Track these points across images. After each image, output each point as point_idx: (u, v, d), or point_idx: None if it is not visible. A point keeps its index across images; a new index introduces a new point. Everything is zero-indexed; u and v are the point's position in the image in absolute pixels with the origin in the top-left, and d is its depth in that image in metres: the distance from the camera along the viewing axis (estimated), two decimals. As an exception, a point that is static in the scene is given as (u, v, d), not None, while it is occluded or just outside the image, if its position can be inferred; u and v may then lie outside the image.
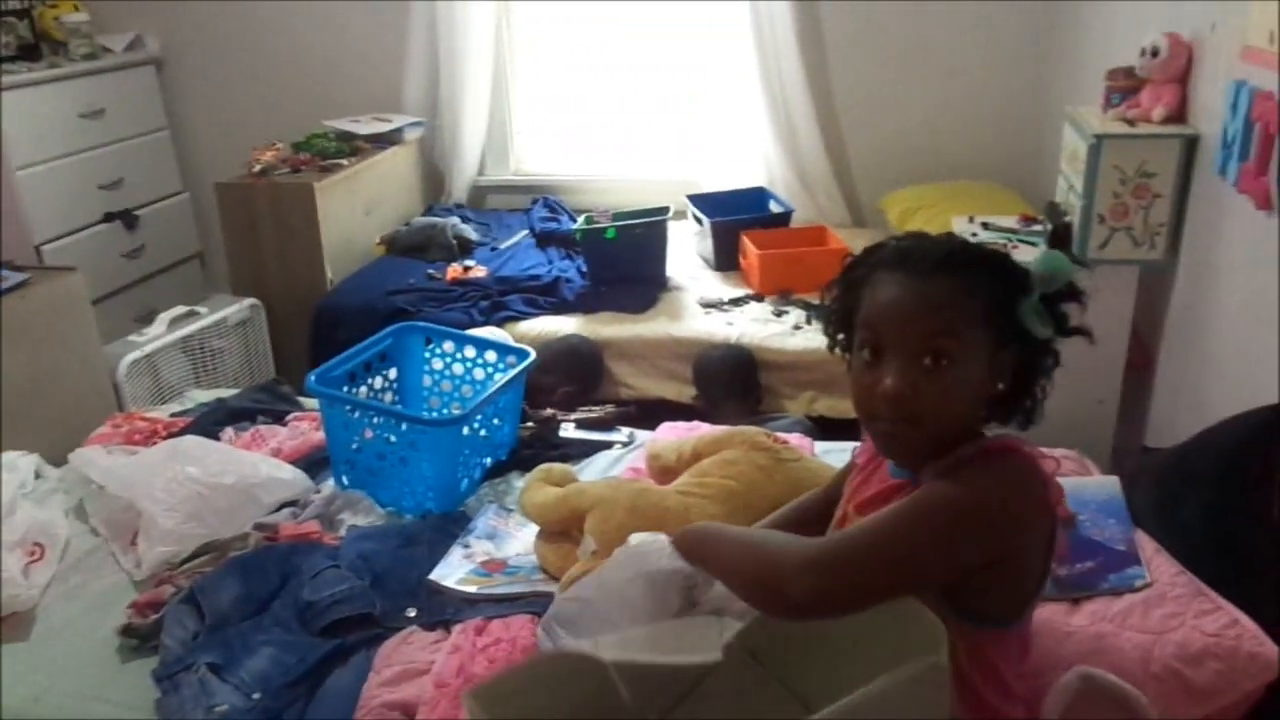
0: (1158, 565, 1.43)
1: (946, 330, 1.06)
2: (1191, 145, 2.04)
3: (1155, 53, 2.11)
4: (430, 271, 3.27)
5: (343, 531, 1.80)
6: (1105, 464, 1.98)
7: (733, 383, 2.76)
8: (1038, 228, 2.41)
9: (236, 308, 3.09)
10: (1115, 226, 2.10)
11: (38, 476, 2.02)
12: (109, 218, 3.73)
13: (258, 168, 3.26)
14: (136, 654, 1.57)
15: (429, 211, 3.77)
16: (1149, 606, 1.35)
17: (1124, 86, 2.23)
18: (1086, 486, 1.60)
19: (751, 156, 3.72)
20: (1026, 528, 1.05)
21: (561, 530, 1.66)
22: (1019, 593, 1.09)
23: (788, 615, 1.03)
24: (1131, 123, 2.13)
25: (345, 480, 1.96)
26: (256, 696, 1.41)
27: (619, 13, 3.79)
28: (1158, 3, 2.33)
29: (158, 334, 2.84)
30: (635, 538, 1.24)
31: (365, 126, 3.68)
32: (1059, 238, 2.21)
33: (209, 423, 2.18)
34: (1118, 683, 1.24)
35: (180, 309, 2.99)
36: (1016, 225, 2.56)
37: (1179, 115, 2.11)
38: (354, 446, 1.92)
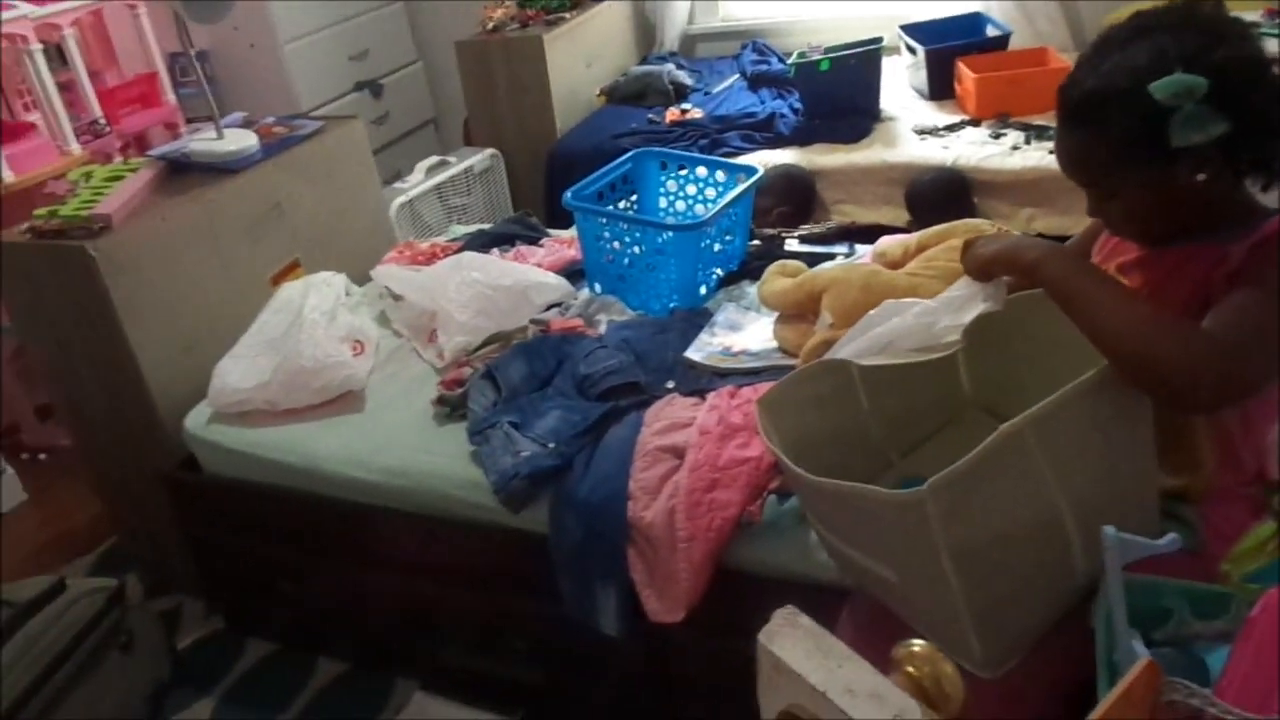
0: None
1: (1091, 181, 1.14)
2: None
3: None
4: (650, 116, 3.45)
5: (601, 328, 2.07)
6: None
7: (946, 205, 2.80)
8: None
9: (479, 157, 3.40)
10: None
11: (348, 294, 2.40)
12: (359, 87, 4.12)
13: (490, 24, 3.51)
14: (449, 420, 1.91)
15: (644, 61, 3.93)
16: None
17: None
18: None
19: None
20: None
21: (798, 314, 1.85)
22: None
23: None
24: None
25: (598, 287, 2.22)
26: (552, 445, 1.71)
27: None
28: None
29: (418, 180, 3.20)
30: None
31: (584, -22, 3.84)
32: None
33: (477, 245, 2.50)
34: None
35: (434, 158, 3.33)
36: (1261, 19, 2.43)
37: None
38: (607, 258, 2.17)
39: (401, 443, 1.87)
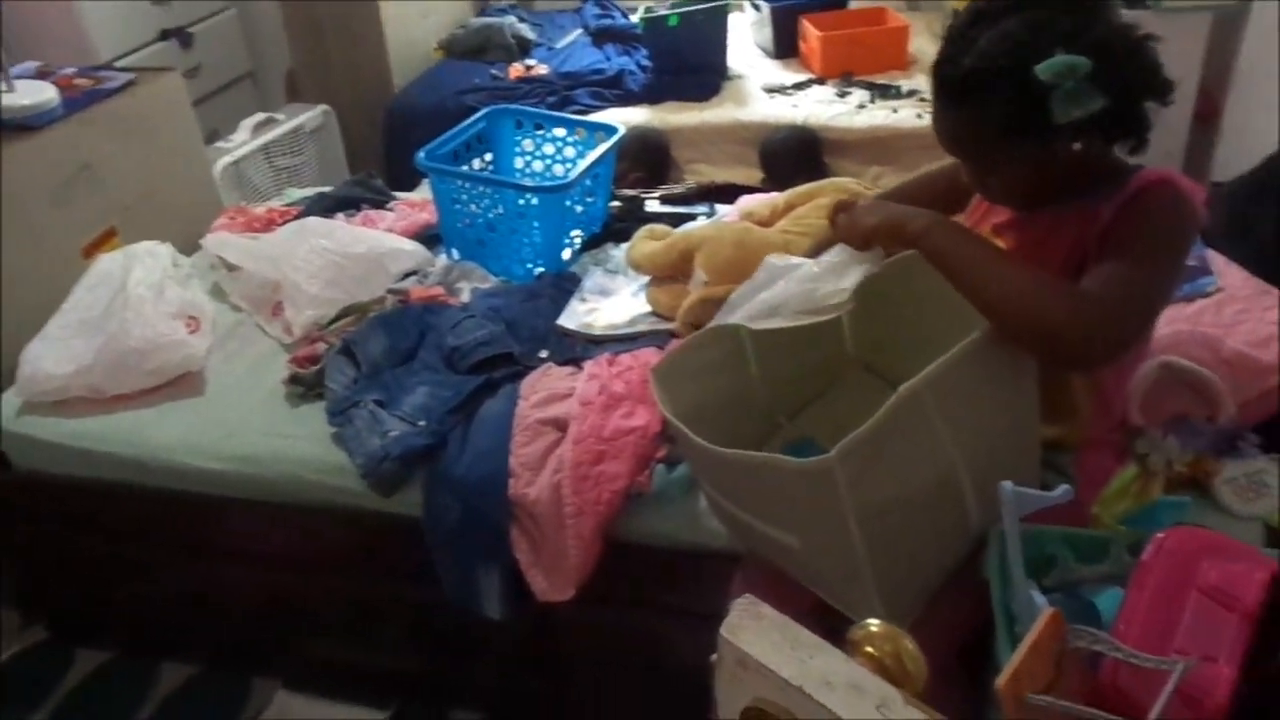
0: (1228, 275, 1.57)
1: (972, 155, 1.16)
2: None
3: None
4: (493, 72, 3.32)
5: (465, 297, 1.97)
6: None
7: (800, 163, 2.85)
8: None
9: (311, 114, 3.17)
10: (1191, -29, 2.12)
11: (175, 265, 2.19)
12: (164, 36, 3.75)
13: (316, -27, 3.27)
14: (303, 400, 1.77)
15: (483, 13, 3.77)
16: (1220, 306, 1.50)
17: None
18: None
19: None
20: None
21: (670, 275, 1.82)
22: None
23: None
24: None
25: (456, 254, 2.11)
26: (422, 423, 1.61)
27: None
28: None
29: (243, 140, 2.95)
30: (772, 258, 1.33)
31: (412, -73, 3.63)
32: (1133, -11, 2.23)
33: (319, 209, 2.33)
34: (1193, 367, 1.40)
35: (260, 116, 3.08)
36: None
37: None
38: (465, 222, 2.06)
39: (251, 427, 1.73)
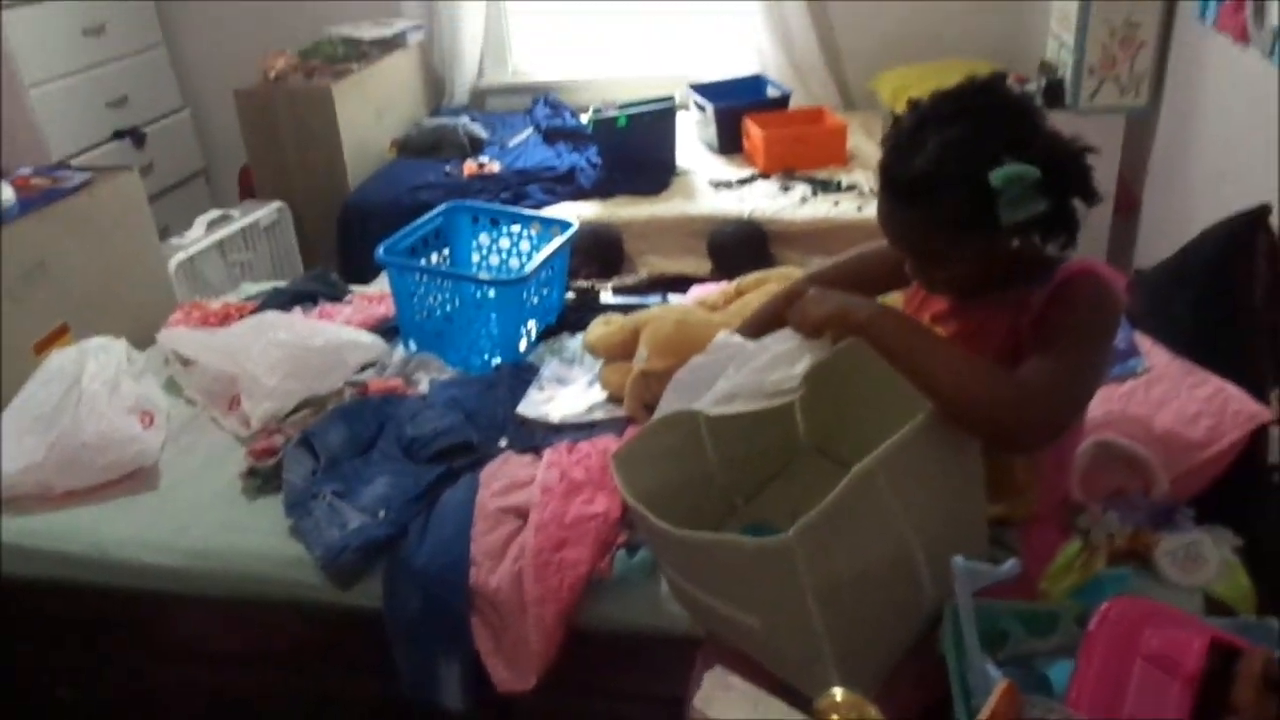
0: (1154, 355, 1.65)
1: (923, 250, 1.23)
2: (1173, -4, 2.22)
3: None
4: (447, 169, 3.40)
5: (423, 387, 1.99)
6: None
7: (746, 254, 2.94)
8: (1031, 86, 2.58)
9: (265, 210, 3.21)
10: (1104, 76, 2.29)
11: (129, 361, 2.18)
12: (118, 135, 3.80)
13: (273, 74, 3.35)
14: (260, 493, 1.77)
15: (436, 113, 3.88)
16: (1149, 386, 1.58)
17: (1109, -53, 2.39)
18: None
19: (745, 47, 3.85)
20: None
21: (623, 355, 1.88)
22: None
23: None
24: (1117, -20, 2.30)
25: (414, 345, 2.14)
26: (382, 514, 1.62)
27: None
28: None
29: (198, 236, 2.98)
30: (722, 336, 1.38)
31: (367, 31, 3.75)
32: (1052, 92, 2.39)
33: (276, 304, 2.35)
34: (1128, 444, 1.47)
35: (215, 213, 3.12)
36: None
37: (1161, -30, 2.28)
38: (423, 314, 2.10)
39: (205, 521, 1.71)
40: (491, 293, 2.01)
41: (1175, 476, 1.46)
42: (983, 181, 1.12)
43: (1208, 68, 2.06)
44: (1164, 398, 1.55)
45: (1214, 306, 1.61)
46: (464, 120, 3.65)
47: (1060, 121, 1.20)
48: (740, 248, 2.95)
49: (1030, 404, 1.10)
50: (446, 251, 2.34)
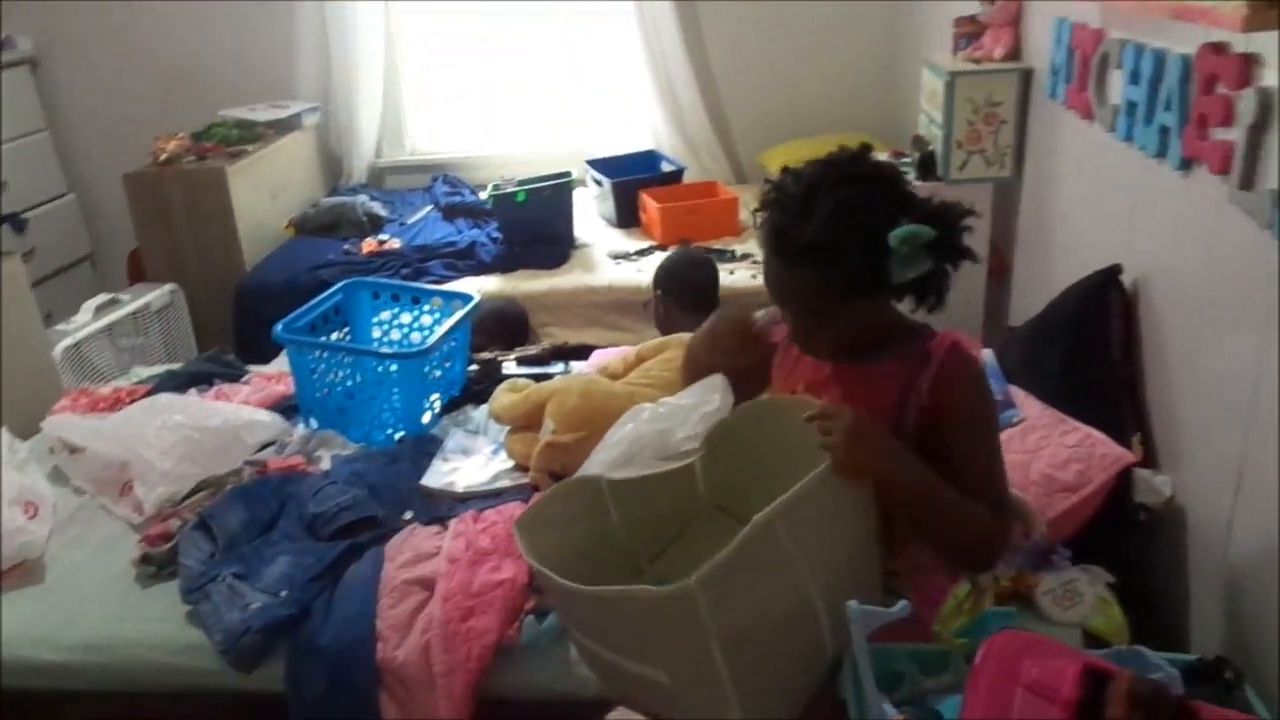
0: (1028, 407, 1.76)
1: (814, 311, 1.29)
2: (1028, 76, 2.41)
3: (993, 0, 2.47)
4: (346, 247, 3.40)
5: (325, 464, 1.97)
6: (980, 343, 2.33)
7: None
8: (907, 159, 2.74)
9: (157, 293, 3.15)
10: (971, 150, 2.46)
11: (11, 450, 2.10)
12: (-2, 220, 3.69)
13: (164, 156, 3.32)
14: (154, 580, 1.72)
15: (334, 192, 3.89)
16: (1024, 435, 1.68)
17: (969, 32, 2.59)
18: (969, 357, 1.93)
19: (638, 125, 3.99)
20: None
21: (526, 425, 1.90)
22: None
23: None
24: (978, 61, 2.49)
25: (315, 422, 2.12)
26: (284, 593, 1.59)
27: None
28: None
29: (85, 321, 2.90)
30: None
31: (262, 114, 3.76)
32: (926, 165, 2.56)
33: (170, 387, 2.30)
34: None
35: (103, 297, 3.04)
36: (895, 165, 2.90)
37: (1015, 52, 2.48)
38: (324, 391, 2.09)
39: (96, 613, 1.65)
40: (394, 367, 2.02)
41: (1051, 519, 1.55)
42: (879, 241, 1.20)
43: (1061, 141, 2.24)
44: (1038, 446, 1.65)
45: (1077, 360, 1.74)
46: (362, 198, 3.67)
47: (935, 192, 1.29)
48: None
49: (1003, 515, 1.30)
50: (347, 329, 2.34)
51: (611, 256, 3.27)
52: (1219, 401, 1.47)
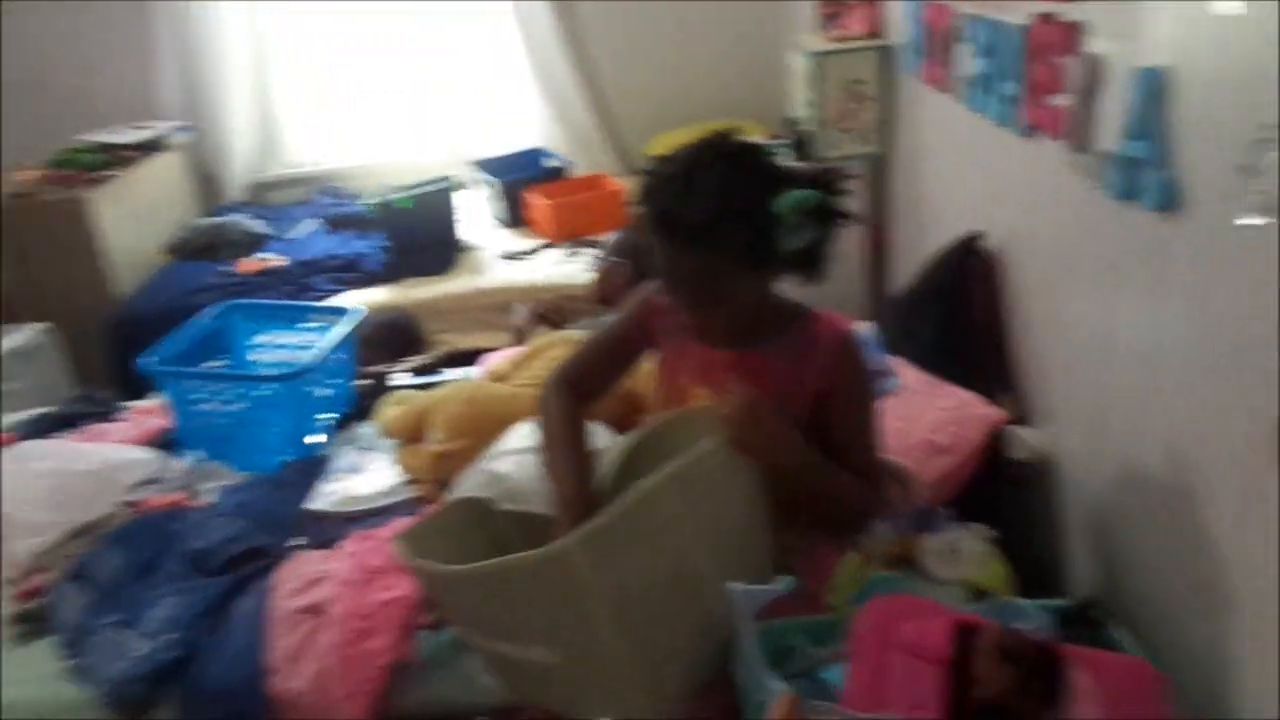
0: (905, 373, 1.81)
1: (709, 291, 1.29)
2: (888, 53, 2.46)
3: (850, -20, 2.53)
4: (225, 269, 3.29)
5: (210, 497, 1.91)
6: (861, 315, 2.38)
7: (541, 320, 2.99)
8: (784, 142, 2.78)
9: (24, 336, 2.99)
10: (842, 129, 2.50)
11: None
12: None
13: (20, 190, 3.16)
14: (32, 638, 1.63)
15: (212, 213, 3.75)
16: (903, 402, 1.72)
17: (833, 12, 2.64)
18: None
19: (522, 122, 3.96)
20: None
21: (415, 437, 1.87)
22: None
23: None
24: (842, 40, 2.54)
25: (198, 454, 2.05)
26: (171, 635, 1.53)
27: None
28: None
29: (-53, 369, 2.74)
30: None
31: (124, 136, 3.59)
32: (801, 144, 2.60)
33: (38, 432, 2.19)
34: (890, 459, 1.59)
35: (-34, 343, 2.88)
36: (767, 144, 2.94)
37: (877, 30, 2.54)
38: (205, 420, 2.02)
39: (-33, 679, 1.56)
40: (275, 389, 1.96)
41: (932, 481, 1.60)
42: (764, 212, 1.21)
43: (922, 115, 2.31)
44: (916, 412, 1.69)
45: (946, 326, 1.79)
46: (239, 217, 3.55)
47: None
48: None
49: (881, 483, 1.44)
50: (227, 355, 2.27)
51: (503, 257, 3.24)
52: (1080, 355, 1.53)
